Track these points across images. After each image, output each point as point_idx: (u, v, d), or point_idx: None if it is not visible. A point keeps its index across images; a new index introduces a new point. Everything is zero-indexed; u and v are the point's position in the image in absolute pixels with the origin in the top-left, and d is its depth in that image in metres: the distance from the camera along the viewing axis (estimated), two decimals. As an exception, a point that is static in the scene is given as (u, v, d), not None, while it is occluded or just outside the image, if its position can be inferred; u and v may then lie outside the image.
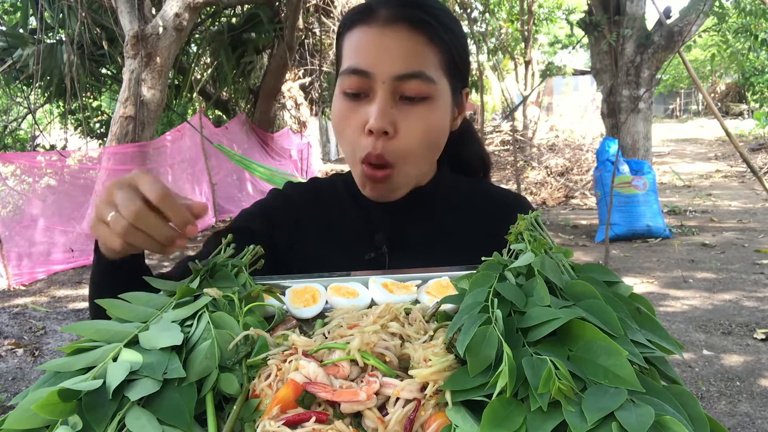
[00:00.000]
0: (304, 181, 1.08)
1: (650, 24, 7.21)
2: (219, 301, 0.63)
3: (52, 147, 8.49)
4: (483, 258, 0.69)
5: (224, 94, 10.40)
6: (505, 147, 13.40)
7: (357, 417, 0.50)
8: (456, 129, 0.97)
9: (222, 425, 0.50)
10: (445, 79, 0.88)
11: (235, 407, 0.51)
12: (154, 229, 0.65)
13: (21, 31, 7.96)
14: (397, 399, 0.50)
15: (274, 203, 1.03)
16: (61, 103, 9.08)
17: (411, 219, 0.98)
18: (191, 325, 0.57)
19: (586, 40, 8.02)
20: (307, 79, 11.11)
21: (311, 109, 12.27)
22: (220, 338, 0.55)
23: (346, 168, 0.96)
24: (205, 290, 0.63)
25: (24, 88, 8.53)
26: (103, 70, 9.15)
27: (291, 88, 10.55)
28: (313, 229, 0.99)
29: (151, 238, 0.66)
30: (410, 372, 0.51)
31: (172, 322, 0.57)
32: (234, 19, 9.14)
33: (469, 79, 0.98)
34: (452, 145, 0.98)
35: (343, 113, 0.88)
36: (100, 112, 10.47)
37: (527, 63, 14.75)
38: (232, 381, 0.53)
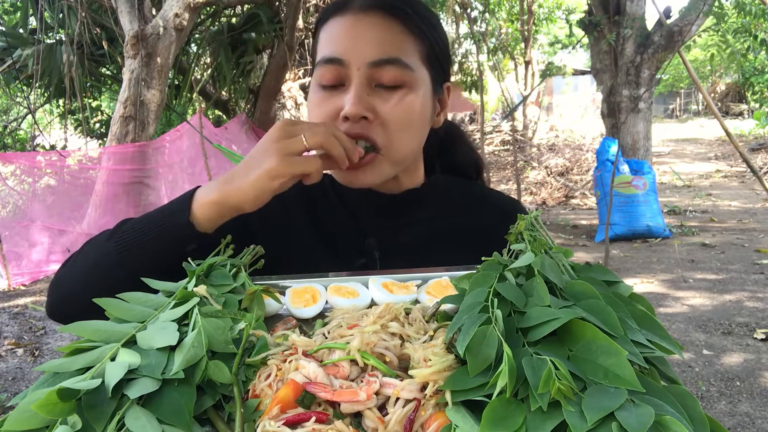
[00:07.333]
0: None
1: (650, 24, 7.21)
2: (216, 300, 0.63)
3: (52, 147, 8.49)
4: (483, 258, 0.68)
5: (224, 94, 10.38)
6: (505, 147, 13.39)
7: (357, 417, 0.50)
8: (440, 126, 0.94)
9: (224, 427, 0.50)
10: (425, 70, 0.86)
11: (237, 411, 0.51)
12: (343, 138, 0.77)
13: (21, 31, 7.96)
14: (397, 399, 0.49)
15: None
16: (61, 103, 9.07)
17: (402, 222, 0.94)
18: (188, 324, 0.57)
19: (586, 40, 8.02)
20: (307, 79, 11.08)
21: (311, 109, 12.22)
22: (208, 326, 0.55)
23: None
24: (193, 289, 0.63)
25: (24, 88, 8.52)
26: (103, 70, 9.14)
27: (291, 88, 10.52)
28: (302, 230, 0.93)
29: (340, 147, 0.76)
30: (410, 372, 0.51)
31: (169, 321, 0.57)
32: (234, 19, 9.13)
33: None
34: (442, 149, 0.94)
35: (317, 102, 0.85)
36: (100, 112, 10.46)
37: (527, 63, 14.74)
38: (222, 369, 0.52)
